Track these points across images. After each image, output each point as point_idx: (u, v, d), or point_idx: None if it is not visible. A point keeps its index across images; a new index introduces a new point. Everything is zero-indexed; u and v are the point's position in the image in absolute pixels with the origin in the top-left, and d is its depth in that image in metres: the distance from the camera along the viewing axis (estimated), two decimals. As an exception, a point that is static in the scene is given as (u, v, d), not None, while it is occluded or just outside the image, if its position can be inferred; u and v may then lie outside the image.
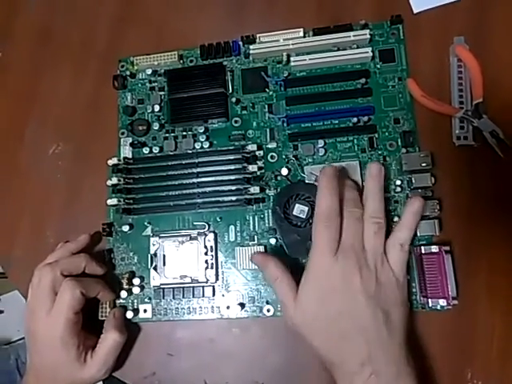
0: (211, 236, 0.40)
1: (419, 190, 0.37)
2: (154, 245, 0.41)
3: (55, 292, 0.37)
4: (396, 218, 0.38)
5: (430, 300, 0.35)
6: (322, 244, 0.33)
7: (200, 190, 0.41)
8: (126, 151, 0.44)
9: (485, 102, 0.38)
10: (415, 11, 0.42)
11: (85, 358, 0.37)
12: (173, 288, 0.40)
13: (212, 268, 0.40)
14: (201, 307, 0.40)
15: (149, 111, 0.44)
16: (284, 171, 0.40)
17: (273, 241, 0.39)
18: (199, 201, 0.41)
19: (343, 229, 0.34)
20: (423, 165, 0.37)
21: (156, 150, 0.43)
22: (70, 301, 0.36)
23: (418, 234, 0.37)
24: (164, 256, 0.40)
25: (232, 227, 0.41)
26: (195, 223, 0.41)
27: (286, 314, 0.35)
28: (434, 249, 0.35)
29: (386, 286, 0.33)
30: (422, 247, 0.36)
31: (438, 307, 0.35)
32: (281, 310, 0.38)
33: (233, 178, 0.41)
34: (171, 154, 0.43)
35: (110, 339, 0.37)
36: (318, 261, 0.34)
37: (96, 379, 0.38)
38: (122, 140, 0.44)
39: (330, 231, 0.33)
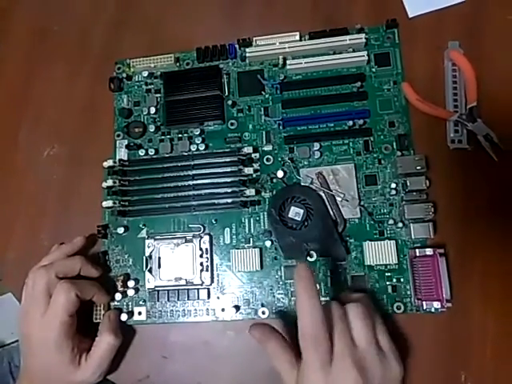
0: (206, 238, 0.40)
1: (414, 193, 0.38)
2: (149, 247, 0.41)
3: (50, 294, 0.36)
4: (391, 221, 0.38)
5: (424, 302, 0.35)
6: (314, 360, 0.29)
7: (195, 193, 0.41)
8: (122, 153, 0.44)
9: (479, 105, 0.39)
10: (410, 16, 0.42)
11: (79, 360, 0.37)
12: (168, 290, 0.40)
13: (207, 270, 0.40)
14: (196, 310, 0.40)
15: (145, 113, 0.44)
16: (280, 174, 0.40)
17: (268, 243, 0.39)
18: (195, 203, 0.41)
19: (334, 334, 0.30)
20: (418, 168, 0.37)
21: (152, 152, 0.43)
22: (64, 303, 0.36)
23: (413, 237, 0.37)
24: (159, 258, 0.40)
25: (227, 229, 0.41)
26: (190, 225, 0.41)
27: None
28: (429, 251, 0.35)
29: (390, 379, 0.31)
30: (417, 250, 0.36)
31: (433, 310, 0.35)
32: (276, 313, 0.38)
33: (228, 180, 0.41)
34: (167, 156, 0.43)
35: (105, 342, 0.37)
36: (314, 379, 0.30)
37: (90, 382, 0.37)
38: (117, 142, 0.44)
39: (321, 346, 0.29)
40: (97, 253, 0.42)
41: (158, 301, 0.40)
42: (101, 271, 0.40)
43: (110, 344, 0.37)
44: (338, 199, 0.39)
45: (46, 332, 0.36)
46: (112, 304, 0.41)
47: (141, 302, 0.40)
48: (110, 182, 0.42)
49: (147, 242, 0.41)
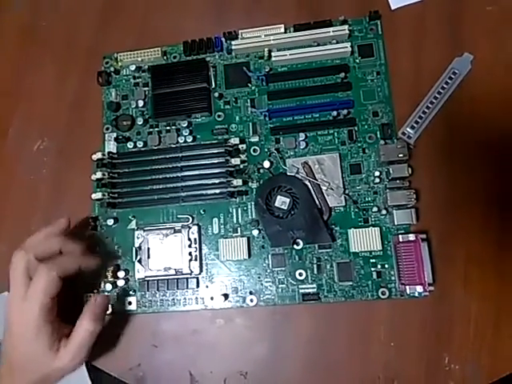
0: (195, 228, 0.41)
1: (397, 181, 0.38)
2: (138, 238, 0.41)
3: (30, 277, 0.35)
4: (375, 209, 0.39)
5: (407, 287, 0.36)
6: None
7: (184, 184, 0.42)
8: (111, 146, 0.44)
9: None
10: (393, 7, 0.43)
11: (58, 346, 0.36)
12: (157, 280, 0.40)
13: (196, 260, 0.40)
14: (185, 298, 0.40)
15: (133, 106, 0.45)
16: (266, 164, 0.41)
17: (255, 232, 0.40)
18: (183, 194, 0.41)
19: None
20: (400, 156, 0.37)
21: (140, 144, 0.43)
22: (44, 285, 0.35)
23: (396, 223, 0.38)
24: (148, 249, 0.41)
25: (215, 220, 0.41)
26: (179, 216, 0.42)
27: None
28: (412, 237, 0.36)
29: None
30: (400, 236, 0.37)
31: (416, 294, 0.36)
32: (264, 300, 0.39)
33: (216, 171, 0.41)
34: (155, 148, 0.43)
35: (83, 329, 0.36)
36: None
37: (68, 369, 0.37)
38: (106, 135, 0.45)
39: None
40: (86, 217, 0.42)
41: (147, 291, 0.41)
42: (85, 244, 0.39)
43: (89, 331, 0.36)
44: (324, 188, 0.40)
45: (26, 316, 0.35)
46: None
47: (131, 292, 0.41)
48: (99, 175, 0.42)
49: (136, 233, 0.41)
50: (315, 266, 0.39)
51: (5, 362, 0.37)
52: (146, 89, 0.45)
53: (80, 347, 0.36)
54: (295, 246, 0.39)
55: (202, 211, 0.42)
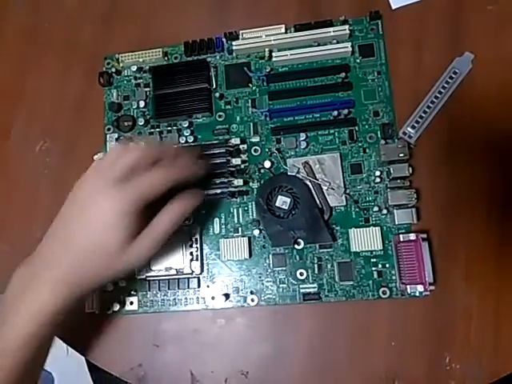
0: (196, 228, 0.41)
1: (398, 181, 0.38)
2: (139, 238, 0.41)
3: (132, 173, 0.31)
4: (376, 208, 0.39)
5: (408, 286, 0.36)
6: None
7: (185, 184, 0.42)
8: (112, 147, 0.44)
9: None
10: (393, 7, 0.43)
11: (131, 241, 0.31)
12: (158, 280, 0.41)
13: (197, 260, 0.40)
14: (186, 298, 0.40)
15: (134, 107, 0.45)
16: (267, 164, 0.41)
17: (256, 232, 0.40)
18: (184, 194, 0.42)
19: None
20: (401, 155, 0.37)
21: (141, 145, 0.43)
22: (155, 183, 0.31)
23: (397, 223, 0.38)
24: (150, 249, 0.41)
25: (216, 219, 0.41)
26: (180, 216, 0.42)
27: None
28: (412, 236, 0.36)
29: None
30: (401, 235, 0.37)
31: (417, 293, 0.36)
32: (264, 300, 0.39)
33: (217, 171, 0.41)
34: (156, 148, 0.43)
35: (167, 218, 0.32)
36: None
37: (134, 266, 0.33)
38: (107, 136, 0.45)
39: None
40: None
41: (149, 291, 0.41)
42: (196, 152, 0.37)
43: (171, 223, 0.32)
44: (324, 188, 0.40)
45: (110, 203, 0.30)
46: (104, 294, 0.41)
47: (132, 292, 0.41)
48: (100, 175, 0.42)
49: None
50: (316, 265, 0.39)
51: (46, 254, 0.34)
52: (148, 89, 0.45)
53: (155, 240, 0.32)
54: (296, 246, 0.39)
55: (203, 211, 0.42)
